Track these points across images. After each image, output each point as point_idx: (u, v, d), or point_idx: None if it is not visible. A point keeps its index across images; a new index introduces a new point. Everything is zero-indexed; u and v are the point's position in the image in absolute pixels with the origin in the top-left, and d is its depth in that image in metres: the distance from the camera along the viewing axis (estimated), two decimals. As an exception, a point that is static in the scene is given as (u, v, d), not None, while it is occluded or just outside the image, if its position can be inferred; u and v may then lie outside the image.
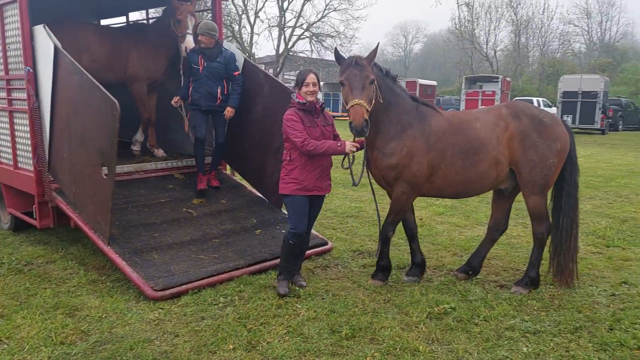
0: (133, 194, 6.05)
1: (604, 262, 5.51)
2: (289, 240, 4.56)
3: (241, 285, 4.68)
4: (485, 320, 4.07)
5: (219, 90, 6.07)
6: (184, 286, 4.51)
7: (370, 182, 4.90)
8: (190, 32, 6.42)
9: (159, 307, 4.28)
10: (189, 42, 6.35)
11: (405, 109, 4.62)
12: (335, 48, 4.45)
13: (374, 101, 4.28)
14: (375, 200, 4.96)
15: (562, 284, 4.76)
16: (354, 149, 4.41)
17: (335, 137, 4.67)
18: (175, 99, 6.30)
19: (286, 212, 6.21)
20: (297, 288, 4.62)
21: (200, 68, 5.99)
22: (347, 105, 4.20)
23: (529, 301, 4.44)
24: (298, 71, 4.57)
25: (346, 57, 4.35)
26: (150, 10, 9.61)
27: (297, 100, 4.51)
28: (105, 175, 4.75)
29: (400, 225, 4.94)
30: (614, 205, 8.35)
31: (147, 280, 4.49)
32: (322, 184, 4.58)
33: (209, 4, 7.40)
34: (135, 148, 7.44)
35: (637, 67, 42.53)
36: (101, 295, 4.57)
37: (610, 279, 4.99)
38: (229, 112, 6.08)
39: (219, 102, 6.09)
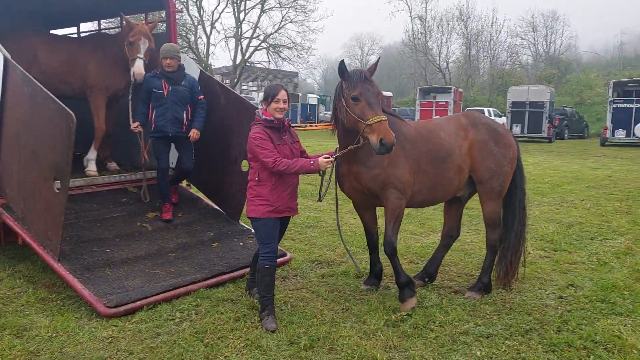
0: (85, 209, 5.89)
1: (552, 265, 5.74)
2: (265, 265, 4.18)
3: (198, 300, 4.62)
4: (440, 325, 4.16)
5: (184, 115, 5.92)
6: (138, 302, 4.40)
7: (336, 193, 4.77)
8: (142, 56, 6.11)
9: (113, 325, 4.16)
10: (138, 67, 6.08)
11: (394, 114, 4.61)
12: (342, 61, 4.29)
13: None
14: (337, 212, 4.90)
15: (505, 285, 4.97)
16: (329, 165, 4.23)
17: (302, 153, 4.49)
18: (135, 124, 6.02)
19: (246, 229, 6.21)
20: (256, 301, 4.59)
21: (165, 92, 5.79)
22: (364, 120, 4.02)
23: (482, 306, 4.57)
24: (267, 85, 4.30)
25: (350, 71, 4.25)
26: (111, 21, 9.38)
27: (264, 117, 4.21)
28: (58, 189, 4.61)
29: (360, 236, 5.00)
30: (561, 210, 8.72)
31: (99, 297, 4.37)
32: (292, 204, 4.34)
33: (163, 16, 7.27)
34: (91, 169, 6.78)
35: (580, 78, 44.64)
36: (51, 314, 4.40)
37: (557, 282, 5.21)
38: (194, 134, 5.93)
39: (185, 127, 5.94)
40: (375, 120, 3.98)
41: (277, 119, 4.22)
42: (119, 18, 8.36)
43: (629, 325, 4.17)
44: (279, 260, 5.61)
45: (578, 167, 15.13)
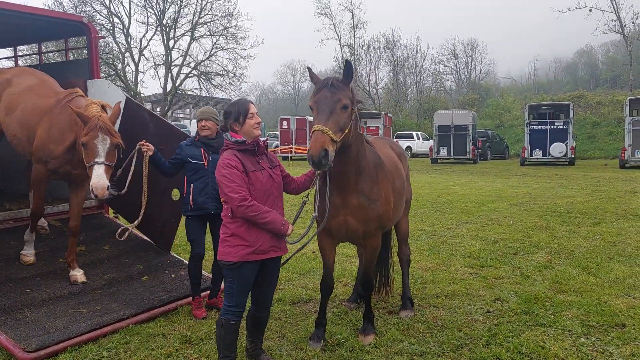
0: (1, 246, 5.51)
1: (479, 281, 5.98)
2: (231, 320, 3.49)
3: (127, 337, 4.40)
4: (375, 347, 4.20)
5: None
6: (61, 344, 4.13)
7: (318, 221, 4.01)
8: (101, 161, 4.41)
9: (32, 370, 3.87)
10: (97, 177, 4.35)
11: (365, 141, 4.11)
12: (308, 67, 3.88)
13: (348, 130, 3.56)
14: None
15: (389, 294, 5.36)
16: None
17: (285, 178, 3.85)
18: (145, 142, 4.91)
19: (178, 260, 6.00)
20: (189, 334, 4.44)
21: (205, 163, 4.87)
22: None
23: (415, 324, 4.68)
24: (233, 101, 3.68)
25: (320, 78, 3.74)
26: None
27: (234, 139, 3.49)
28: None
29: (295, 261, 4.98)
30: (486, 228, 9.14)
31: (17, 341, 4.06)
32: (278, 241, 3.56)
33: (85, 41, 7.04)
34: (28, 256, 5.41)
35: (499, 102, 47.50)
36: (-39, 363, 4.04)
37: (485, 297, 5.42)
38: None
39: None
40: (312, 130, 3.43)
41: (251, 139, 3.53)
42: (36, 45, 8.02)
43: (552, 335, 4.40)
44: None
45: (501, 186, 15.97)
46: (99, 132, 4.39)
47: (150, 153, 4.82)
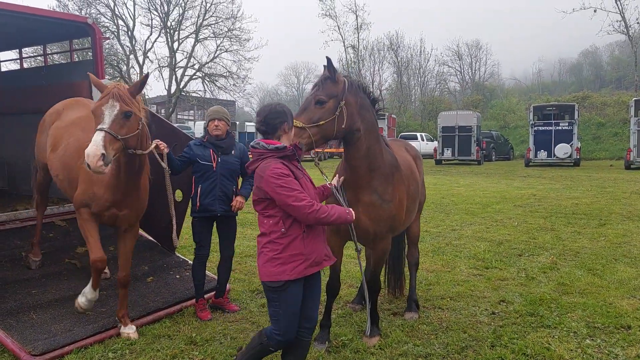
0: (7, 247, 5.55)
1: (484, 282, 5.97)
2: (270, 346, 3.21)
3: (132, 338, 4.42)
4: (380, 348, 4.20)
5: (234, 191, 4.95)
6: (66, 347, 4.14)
7: (351, 230, 3.89)
8: (106, 127, 3.67)
9: (38, 372, 3.89)
10: (89, 148, 3.54)
11: (382, 139, 4.11)
12: (327, 57, 3.78)
13: (323, 122, 3.58)
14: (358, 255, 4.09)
15: (400, 295, 5.37)
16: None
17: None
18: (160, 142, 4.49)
19: (183, 260, 6.00)
20: (194, 335, 4.45)
21: (214, 164, 4.81)
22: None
23: (419, 326, 4.67)
24: (275, 104, 3.32)
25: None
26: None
27: (273, 146, 3.16)
28: None
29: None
30: (491, 229, 9.12)
31: (23, 344, 4.07)
32: (327, 249, 3.36)
33: (89, 42, 7.06)
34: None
35: (503, 103, 47.42)
36: (-32, 364, 4.07)
37: (490, 299, 5.41)
38: (239, 202, 4.93)
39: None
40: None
41: (290, 145, 3.25)
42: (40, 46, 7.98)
43: (557, 337, 4.39)
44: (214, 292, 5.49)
45: (505, 187, 15.93)
46: (109, 99, 3.75)
47: (167, 151, 4.65)
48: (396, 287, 5.40)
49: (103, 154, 3.48)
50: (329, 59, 3.80)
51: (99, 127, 3.63)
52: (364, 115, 3.88)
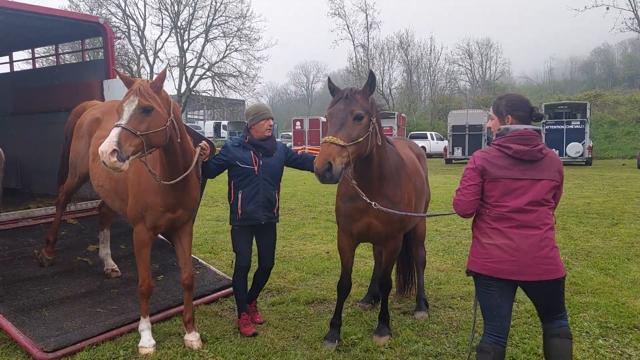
0: (20, 244, 5.59)
1: (495, 282, 5.92)
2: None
3: (143, 336, 4.44)
4: (390, 347, 4.19)
5: (277, 197, 4.59)
6: (78, 344, 4.17)
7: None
8: (124, 123, 3.53)
9: (51, 368, 3.93)
10: (102, 145, 3.42)
11: (388, 141, 4.15)
12: (328, 77, 3.74)
13: (362, 140, 3.49)
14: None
15: (411, 293, 5.33)
16: None
17: None
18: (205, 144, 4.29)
19: (193, 259, 6.03)
20: (204, 333, 4.47)
21: (256, 168, 4.47)
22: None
23: (430, 325, 4.65)
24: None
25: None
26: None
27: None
28: None
29: (309, 261, 4.98)
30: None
31: (36, 341, 4.11)
32: None
33: (101, 42, 7.11)
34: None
35: (514, 102, 46.94)
36: (-19, 361, 4.11)
37: (501, 298, 5.37)
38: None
39: (276, 212, 4.61)
40: (321, 142, 3.44)
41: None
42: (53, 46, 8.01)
43: (568, 337, 4.35)
44: (227, 290, 5.53)
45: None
46: (131, 95, 3.62)
47: (206, 159, 4.36)
48: (405, 286, 5.39)
49: (115, 150, 3.36)
50: (372, 73, 3.69)
51: (116, 123, 3.53)
52: (381, 129, 3.84)
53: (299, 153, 4.91)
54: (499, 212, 2.99)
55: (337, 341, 4.23)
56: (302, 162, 4.73)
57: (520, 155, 2.99)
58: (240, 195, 4.42)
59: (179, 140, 3.88)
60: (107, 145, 3.38)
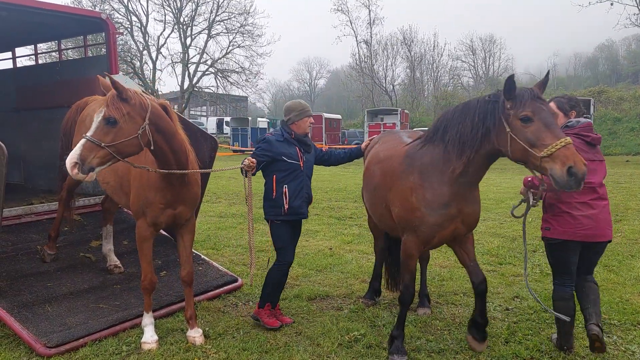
0: (23, 240, 5.60)
1: (498, 278, 5.91)
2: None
3: (146, 331, 4.44)
4: (393, 344, 4.18)
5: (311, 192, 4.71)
6: (81, 340, 4.18)
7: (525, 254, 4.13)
8: (89, 136, 3.50)
9: (54, 363, 3.94)
10: (68, 157, 3.46)
11: None
12: (511, 75, 3.48)
13: None
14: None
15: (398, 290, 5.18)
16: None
17: None
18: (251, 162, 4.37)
19: (196, 254, 6.02)
20: (207, 329, 4.48)
21: (301, 163, 4.51)
22: (540, 147, 3.21)
23: (432, 321, 4.65)
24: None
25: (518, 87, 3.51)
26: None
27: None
28: None
29: (312, 258, 4.96)
30: (504, 225, 9.04)
31: (39, 336, 4.12)
32: None
33: (103, 38, 7.09)
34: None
35: (517, 98, 46.78)
36: (-15, 356, 4.13)
37: (504, 295, 5.36)
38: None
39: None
40: (558, 146, 3.14)
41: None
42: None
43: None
44: (230, 286, 5.56)
45: (519, 183, 15.71)
46: (102, 106, 3.61)
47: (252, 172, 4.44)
48: (396, 284, 5.22)
49: (77, 163, 3.39)
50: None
51: (83, 134, 3.55)
52: None
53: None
54: (586, 188, 3.56)
55: (405, 355, 3.93)
56: (328, 158, 4.95)
57: (595, 141, 3.86)
58: (285, 190, 4.43)
59: (166, 142, 3.84)
60: (69, 157, 3.41)
